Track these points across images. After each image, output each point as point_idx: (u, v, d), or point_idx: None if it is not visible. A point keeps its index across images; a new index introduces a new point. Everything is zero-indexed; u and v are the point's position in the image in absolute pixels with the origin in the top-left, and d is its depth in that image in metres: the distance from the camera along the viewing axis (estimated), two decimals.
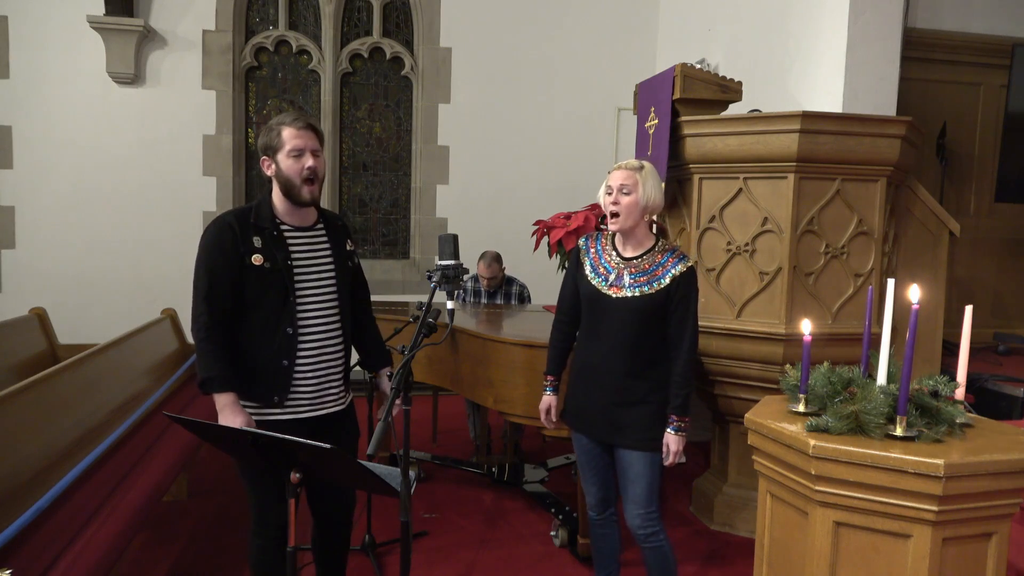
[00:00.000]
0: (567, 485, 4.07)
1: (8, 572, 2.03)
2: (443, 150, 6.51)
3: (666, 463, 2.39)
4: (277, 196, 2.25)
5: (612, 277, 2.42)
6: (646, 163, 2.44)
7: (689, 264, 2.38)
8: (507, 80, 6.49)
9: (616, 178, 2.39)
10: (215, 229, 2.17)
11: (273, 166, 2.20)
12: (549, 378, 2.65)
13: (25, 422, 2.70)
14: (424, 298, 2.38)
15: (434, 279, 2.18)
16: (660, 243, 2.44)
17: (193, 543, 3.33)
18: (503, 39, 6.46)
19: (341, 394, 2.37)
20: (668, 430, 2.37)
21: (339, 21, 6.38)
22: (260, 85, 6.37)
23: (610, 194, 2.39)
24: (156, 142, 5.97)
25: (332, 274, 2.30)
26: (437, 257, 2.27)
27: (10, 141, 5.77)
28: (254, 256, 2.15)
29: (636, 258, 2.42)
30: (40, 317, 4.71)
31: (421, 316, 2.16)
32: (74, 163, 5.85)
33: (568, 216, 3.61)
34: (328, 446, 1.68)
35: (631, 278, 2.39)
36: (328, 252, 2.31)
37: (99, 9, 5.64)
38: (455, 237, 2.25)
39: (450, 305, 2.22)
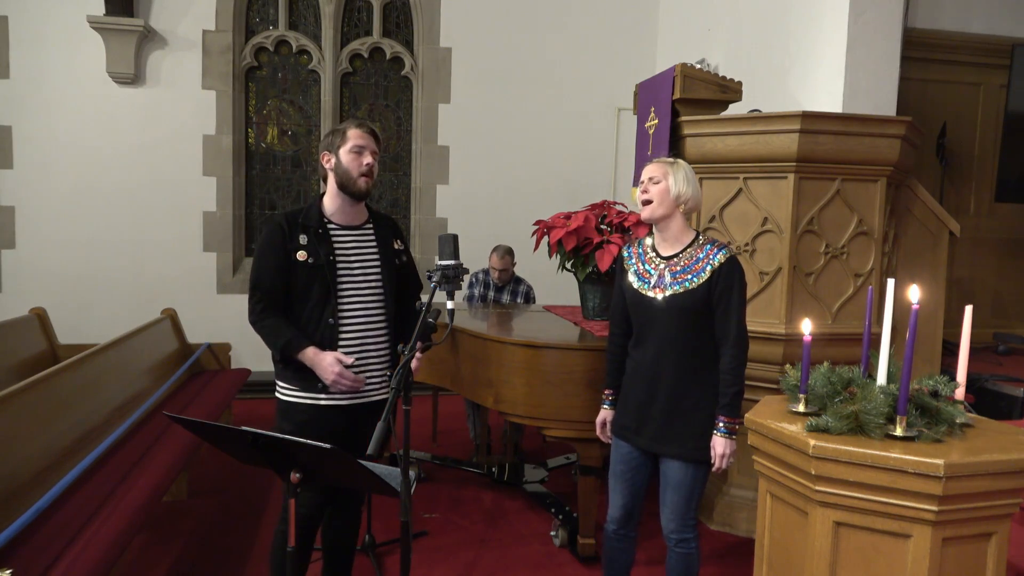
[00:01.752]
0: (567, 485, 4.08)
1: (8, 572, 2.04)
2: (443, 150, 6.51)
3: (713, 469, 2.33)
4: (329, 196, 2.43)
5: (654, 279, 2.37)
6: (680, 160, 2.44)
7: (730, 254, 2.31)
8: (507, 80, 6.49)
9: (647, 171, 2.39)
10: (267, 229, 2.39)
11: (333, 159, 2.39)
12: (607, 392, 2.58)
13: (25, 422, 2.71)
14: (424, 298, 2.38)
15: (434, 279, 2.18)
16: (700, 237, 2.38)
17: (193, 543, 3.33)
18: (503, 39, 6.46)
19: (384, 385, 2.46)
20: (716, 432, 2.29)
21: (339, 21, 6.38)
22: (260, 85, 6.37)
23: (642, 187, 2.39)
24: (156, 142, 5.97)
25: (377, 270, 2.44)
26: (437, 257, 2.27)
27: (10, 141, 5.77)
28: (299, 252, 2.33)
29: (676, 255, 2.37)
30: (40, 317, 4.71)
31: (421, 316, 2.16)
32: (74, 163, 5.85)
33: (568, 216, 3.61)
34: (328, 446, 1.68)
35: (672, 276, 2.34)
36: (374, 249, 2.45)
37: (99, 9, 5.64)
38: (455, 237, 2.25)
39: (450, 305, 2.22)
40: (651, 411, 2.37)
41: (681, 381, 2.33)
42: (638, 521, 2.55)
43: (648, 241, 2.48)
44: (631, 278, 2.44)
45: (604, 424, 2.59)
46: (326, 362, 2.28)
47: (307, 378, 2.35)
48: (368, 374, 2.42)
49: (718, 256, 2.30)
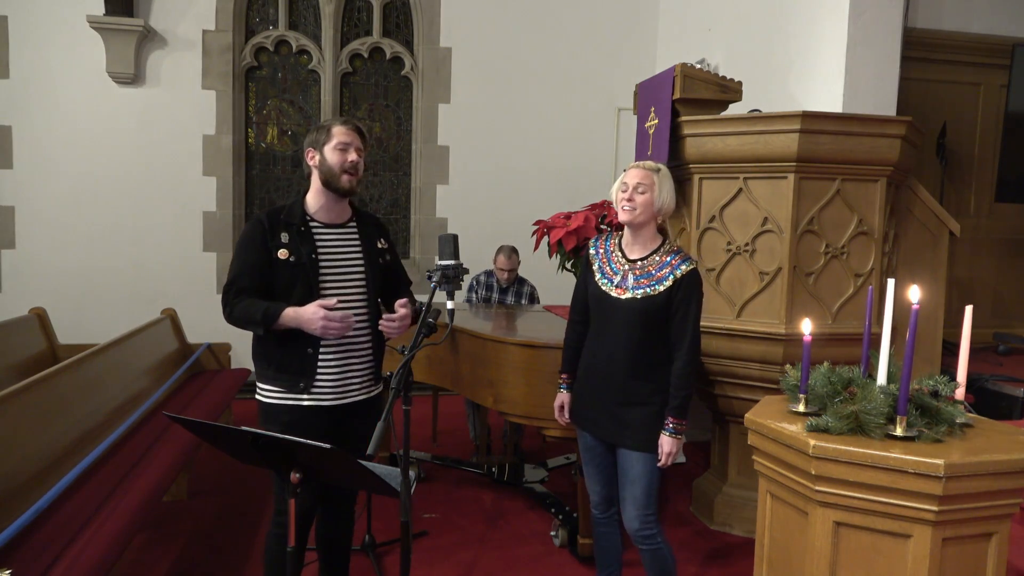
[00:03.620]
0: (567, 485, 4.07)
1: (8, 572, 2.04)
2: (443, 150, 6.51)
3: (659, 464, 2.40)
4: (312, 193, 2.40)
5: (618, 279, 2.45)
6: (663, 167, 2.47)
7: (692, 266, 2.40)
8: (507, 80, 6.49)
9: (633, 176, 2.41)
10: (248, 226, 2.36)
11: (317, 157, 2.36)
12: (563, 376, 2.67)
13: (25, 422, 2.70)
14: (424, 298, 2.38)
15: (434, 279, 2.18)
16: (665, 245, 2.46)
17: (193, 543, 3.33)
18: (503, 39, 6.45)
19: (366, 385, 2.44)
20: (664, 432, 2.38)
21: (339, 21, 6.38)
22: (260, 85, 6.37)
23: (625, 191, 2.40)
24: (156, 142, 5.96)
25: (360, 269, 2.41)
26: (437, 257, 2.28)
27: (10, 141, 5.77)
28: (280, 250, 2.29)
29: (641, 260, 2.44)
30: (40, 317, 4.71)
31: (421, 316, 2.16)
32: (74, 163, 5.85)
33: (568, 216, 3.62)
34: (328, 446, 1.68)
35: (635, 279, 2.42)
36: (358, 248, 2.42)
37: (99, 9, 5.63)
38: (455, 237, 2.25)
39: (450, 305, 2.22)
40: (605, 402, 2.46)
41: (633, 377, 2.41)
42: (618, 504, 2.61)
43: (616, 240, 2.54)
44: (596, 273, 2.51)
45: (562, 407, 2.67)
46: (308, 313, 2.20)
47: (288, 379, 2.31)
48: (350, 376, 2.39)
49: (681, 267, 2.39)
